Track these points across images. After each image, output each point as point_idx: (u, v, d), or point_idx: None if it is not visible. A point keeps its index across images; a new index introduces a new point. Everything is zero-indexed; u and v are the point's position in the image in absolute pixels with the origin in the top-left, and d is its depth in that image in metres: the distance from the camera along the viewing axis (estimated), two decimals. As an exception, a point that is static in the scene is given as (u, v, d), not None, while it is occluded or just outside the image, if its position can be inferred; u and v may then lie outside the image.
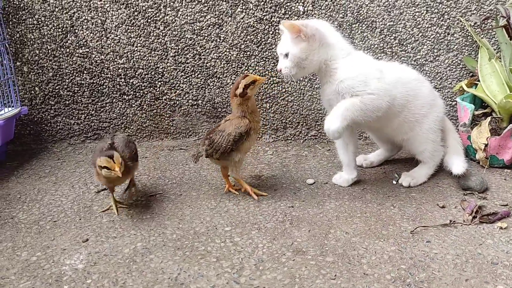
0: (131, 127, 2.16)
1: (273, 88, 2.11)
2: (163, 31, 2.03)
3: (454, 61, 2.08)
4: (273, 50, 2.06)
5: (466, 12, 2.02)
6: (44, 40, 2.04)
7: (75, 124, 2.15)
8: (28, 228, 1.44)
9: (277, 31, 2.03)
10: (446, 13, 2.02)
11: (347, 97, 1.49)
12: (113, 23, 2.02)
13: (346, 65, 1.52)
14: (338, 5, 2.01)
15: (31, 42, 2.04)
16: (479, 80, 1.95)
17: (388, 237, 1.35)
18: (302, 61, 1.49)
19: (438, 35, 2.05)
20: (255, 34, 2.04)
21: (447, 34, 2.05)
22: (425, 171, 1.72)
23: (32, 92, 2.10)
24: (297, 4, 2.01)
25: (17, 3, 1.99)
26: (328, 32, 1.54)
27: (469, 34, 2.03)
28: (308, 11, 2.01)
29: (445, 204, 1.54)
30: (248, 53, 2.07)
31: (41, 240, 1.37)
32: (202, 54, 2.07)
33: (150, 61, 2.07)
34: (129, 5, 2.00)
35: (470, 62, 2.04)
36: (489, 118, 1.81)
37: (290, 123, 2.14)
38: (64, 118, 2.14)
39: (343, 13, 2.02)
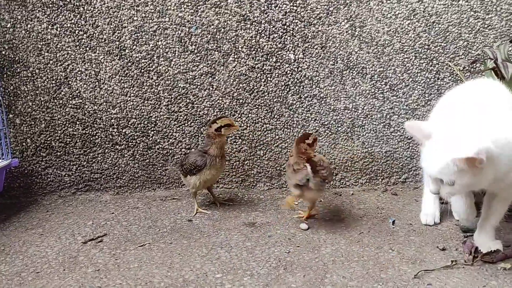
0: (123, 178, 2.12)
1: (267, 135, 2.10)
2: (156, 81, 2.05)
3: (446, 105, 2.08)
4: (265, 97, 2.07)
5: (454, 57, 2.05)
6: (37, 92, 2.05)
7: (66, 175, 2.11)
8: (9, 280, 1.36)
9: (269, 78, 2.05)
10: (434, 59, 2.05)
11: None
12: (107, 74, 2.04)
13: None
14: (328, 53, 2.04)
15: (25, 94, 2.05)
16: (472, 122, 1.94)
17: (387, 280, 1.28)
18: (473, 185, 1.27)
19: (428, 80, 2.07)
20: (247, 82, 2.06)
21: (437, 79, 2.07)
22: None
23: (24, 144, 2.09)
24: (288, 52, 2.04)
25: (12, 57, 2.02)
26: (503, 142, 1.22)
27: (459, 78, 2.05)
28: (299, 59, 2.04)
29: (445, 246, 1.48)
30: (241, 101, 2.08)
31: (21, 291, 1.30)
32: (195, 102, 2.07)
33: (143, 111, 2.07)
34: (122, 56, 2.03)
35: (461, 105, 2.04)
36: (485, 159, 1.78)
37: (284, 170, 2.11)
38: (55, 170, 2.11)
39: (333, 61, 2.05)
